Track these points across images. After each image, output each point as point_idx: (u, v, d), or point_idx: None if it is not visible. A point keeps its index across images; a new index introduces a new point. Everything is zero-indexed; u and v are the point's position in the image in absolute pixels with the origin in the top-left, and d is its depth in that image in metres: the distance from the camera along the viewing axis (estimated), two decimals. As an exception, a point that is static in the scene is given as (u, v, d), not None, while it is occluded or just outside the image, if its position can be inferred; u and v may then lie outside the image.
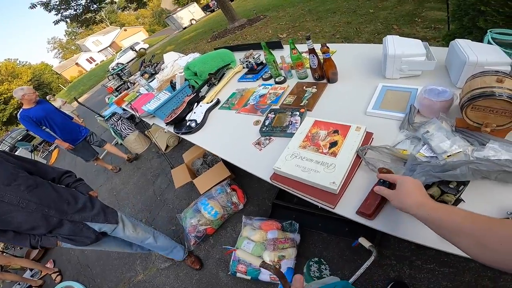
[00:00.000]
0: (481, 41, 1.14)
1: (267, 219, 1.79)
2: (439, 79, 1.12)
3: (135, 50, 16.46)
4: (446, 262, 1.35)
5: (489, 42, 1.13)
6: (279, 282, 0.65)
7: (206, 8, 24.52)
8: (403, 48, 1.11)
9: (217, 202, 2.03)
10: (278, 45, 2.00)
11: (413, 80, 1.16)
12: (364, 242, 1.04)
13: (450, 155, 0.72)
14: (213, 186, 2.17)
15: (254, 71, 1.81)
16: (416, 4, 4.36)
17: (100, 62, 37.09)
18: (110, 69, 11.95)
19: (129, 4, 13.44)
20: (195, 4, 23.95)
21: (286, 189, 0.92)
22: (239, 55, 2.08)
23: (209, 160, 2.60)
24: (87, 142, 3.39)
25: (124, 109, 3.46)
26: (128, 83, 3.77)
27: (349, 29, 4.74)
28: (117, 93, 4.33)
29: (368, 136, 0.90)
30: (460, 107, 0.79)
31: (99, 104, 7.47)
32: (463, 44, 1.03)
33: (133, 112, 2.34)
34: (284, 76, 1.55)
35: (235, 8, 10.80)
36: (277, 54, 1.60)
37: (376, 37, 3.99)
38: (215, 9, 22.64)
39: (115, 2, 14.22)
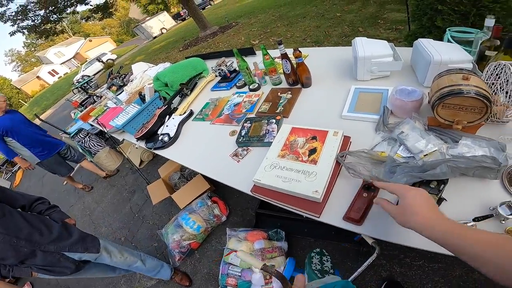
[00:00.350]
0: (440, 39, 1.19)
1: (252, 229, 1.73)
2: (407, 78, 1.15)
3: (102, 61, 15.64)
4: (434, 258, 1.37)
5: (449, 41, 1.18)
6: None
7: (177, 16, 24.19)
8: (372, 49, 1.13)
9: (198, 215, 1.96)
10: (250, 52, 1.98)
11: (383, 81, 1.18)
12: (366, 237, 1.01)
13: (427, 154, 0.73)
14: (193, 200, 2.09)
15: (227, 79, 1.76)
16: (378, 6, 4.62)
17: (64, 74, 34.76)
18: (75, 81, 11.23)
19: (93, 14, 12.84)
20: (165, 13, 23.54)
21: (268, 201, 0.87)
22: (211, 63, 2.03)
23: (186, 173, 2.50)
24: (61, 156, 3.15)
25: (91, 125, 3.25)
26: (95, 97, 3.54)
27: (318, 33, 4.89)
28: (82, 107, 4.04)
29: (346, 140, 0.89)
30: (431, 106, 0.80)
31: (64, 120, 6.98)
32: (426, 44, 1.06)
33: (101, 128, 2.18)
34: (258, 83, 1.52)
35: (206, 16, 10.77)
36: (250, 60, 1.57)
37: (344, 39, 4.15)
38: (186, 18, 22.42)
39: (78, 12, 13.44)
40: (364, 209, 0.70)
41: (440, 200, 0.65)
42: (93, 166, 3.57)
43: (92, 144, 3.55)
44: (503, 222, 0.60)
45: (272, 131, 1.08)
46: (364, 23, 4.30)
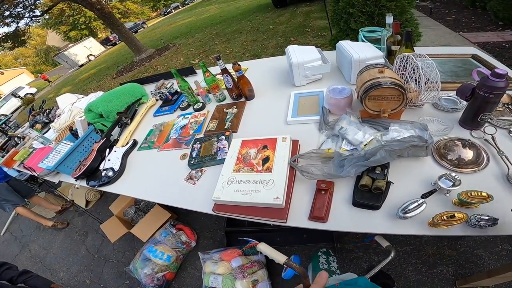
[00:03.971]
0: (357, 40, 1.35)
1: (226, 249, 1.67)
2: (336, 79, 1.28)
3: (19, 97, 13.49)
4: (403, 241, 1.47)
5: (362, 40, 1.34)
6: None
7: (106, 41, 22.67)
8: (303, 55, 1.22)
9: (165, 245, 1.84)
10: (191, 71, 1.95)
11: (318, 84, 1.29)
12: (381, 241, 0.98)
13: (366, 144, 0.80)
14: (156, 231, 1.96)
15: (169, 102, 1.68)
16: (304, 16, 5.11)
17: (-28, 119, 28.84)
18: (-11, 123, 9.49)
19: (2, 44, 11.20)
20: (91, 38, 21.79)
21: (233, 217, 0.84)
22: (150, 88, 1.93)
23: (142, 206, 2.30)
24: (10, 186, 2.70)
25: (18, 171, 2.76)
26: (16, 138, 3.04)
27: (255, 47, 5.14)
28: (3, 152, 3.41)
29: (295, 144, 0.93)
30: (360, 100, 0.90)
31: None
32: (346, 45, 1.20)
33: (29, 173, 1.88)
34: (202, 102, 1.49)
35: (140, 39, 10.32)
36: (191, 80, 1.55)
37: (279, 50, 4.46)
38: (117, 42, 21.19)
39: (-17, 43, 11.56)
40: (325, 206, 0.73)
41: (388, 184, 0.72)
42: (43, 201, 3.07)
43: (24, 191, 3.00)
44: (447, 195, 0.67)
45: (223, 147, 1.06)
46: (294, 33, 4.70)
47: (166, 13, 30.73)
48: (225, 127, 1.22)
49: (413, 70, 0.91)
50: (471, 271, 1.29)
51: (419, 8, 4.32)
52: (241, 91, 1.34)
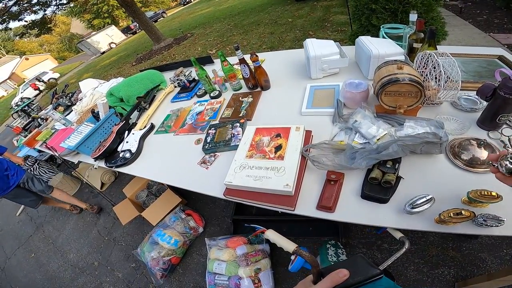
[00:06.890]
0: (378, 36, 1.33)
1: (232, 236, 1.71)
2: (354, 74, 1.27)
3: (43, 81, 14.09)
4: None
5: (383, 37, 1.32)
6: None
7: (127, 30, 23.14)
8: (321, 49, 1.22)
9: (174, 230, 1.89)
10: (208, 60, 1.98)
11: (334, 78, 1.29)
12: (394, 232, 0.97)
13: (379, 138, 0.81)
14: (166, 216, 2.01)
15: (187, 89, 1.73)
16: (324, 10, 5.01)
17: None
18: (14, 105, 10.04)
19: (29, 31, 11.69)
20: (113, 27, 22.35)
21: (242, 202, 0.88)
22: (168, 75, 1.98)
23: (154, 190, 2.38)
24: (23, 189, 2.56)
25: (39, 150, 2.89)
26: (39, 120, 3.20)
27: (273, 39, 5.10)
28: (26, 132, 3.61)
29: (308, 134, 0.94)
30: (376, 95, 0.89)
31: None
32: (366, 41, 1.19)
33: (51, 152, 1.99)
34: (219, 90, 1.52)
35: (159, 28, 10.46)
36: (208, 69, 1.58)
37: (297, 43, 4.40)
38: (137, 31, 21.60)
39: (11, 29, 12.04)
40: (334, 196, 0.74)
41: (398, 179, 0.73)
42: (68, 197, 3.11)
43: (43, 172, 3.20)
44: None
45: (238, 134, 1.09)
46: (313, 27, 4.62)
47: (185, 2, 30.85)
48: (240, 115, 1.25)
49: (434, 68, 0.90)
50: (472, 274, 1.28)
51: (448, 7, 4.12)
52: (257, 81, 1.36)
